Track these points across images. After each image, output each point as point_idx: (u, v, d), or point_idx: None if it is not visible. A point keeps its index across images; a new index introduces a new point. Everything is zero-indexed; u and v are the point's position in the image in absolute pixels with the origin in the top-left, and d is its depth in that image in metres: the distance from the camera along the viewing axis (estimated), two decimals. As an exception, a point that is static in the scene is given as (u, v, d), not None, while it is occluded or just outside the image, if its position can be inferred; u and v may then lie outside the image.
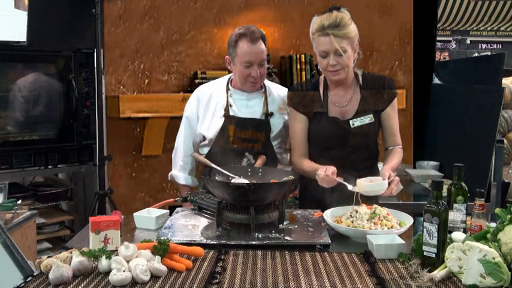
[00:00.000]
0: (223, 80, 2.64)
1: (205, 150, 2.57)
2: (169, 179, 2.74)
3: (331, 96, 2.38)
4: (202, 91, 2.63)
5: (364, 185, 2.08)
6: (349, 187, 2.10)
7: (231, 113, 2.51)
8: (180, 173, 2.66)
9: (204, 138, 2.57)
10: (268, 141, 2.53)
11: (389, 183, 2.09)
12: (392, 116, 2.39)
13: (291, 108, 2.42)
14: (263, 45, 2.46)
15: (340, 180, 2.11)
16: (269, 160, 2.49)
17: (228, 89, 2.57)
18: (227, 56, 2.54)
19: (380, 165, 2.49)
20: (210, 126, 2.54)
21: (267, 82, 2.63)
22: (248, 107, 2.54)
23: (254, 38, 2.42)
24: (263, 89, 2.59)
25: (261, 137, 2.51)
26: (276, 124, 2.54)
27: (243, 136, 2.50)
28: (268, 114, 2.53)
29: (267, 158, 2.47)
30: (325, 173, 2.11)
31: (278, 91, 2.61)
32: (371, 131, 2.34)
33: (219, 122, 2.52)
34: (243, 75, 2.47)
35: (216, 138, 2.51)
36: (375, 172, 2.43)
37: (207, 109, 2.57)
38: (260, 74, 2.46)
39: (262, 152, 2.49)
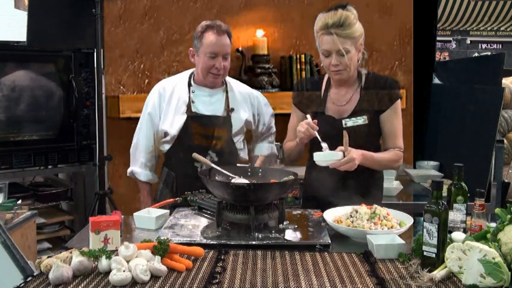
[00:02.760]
0: (185, 74, 2.63)
1: (167, 147, 2.57)
2: (128, 175, 2.73)
3: (331, 95, 2.37)
4: (164, 86, 2.62)
5: (316, 154, 2.14)
6: (323, 145, 2.15)
7: (194, 110, 2.52)
8: (141, 169, 2.66)
9: (165, 135, 2.57)
10: (230, 138, 2.54)
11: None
12: (392, 119, 2.32)
13: (292, 103, 2.46)
14: (228, 40, 2.49)
15: (316, 134, 2.17)
16: (230, 157, 2.51)
17: (190, 85, 2.57)
18: (191, 48, 2.55)
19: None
20: (173, 123, 2.53)
21: (227, 78, 2.64)
22: (210, 104, 2.55)
23: (220, 31, 2.46)
24: (224, 85, 2.60)
25: (224, 134, 2.53)
26: (237, 120, 2.55)
27: (205, 133, 2.50)
28: (229, 110, 2.54)
29: (228, 155, 2.49)
30: (306, 122, 2.17)
31: (239, 88, 2.64)
32: (366, 132, 2.29)
33: (182, 119, 2.51)
34: (206, 66, 2.48)
35: (179, 136, 2.51)
36: (374, 174, 2.40)
37: (169, 105, 2.56)
38: (223, 67, 2.48)
39: (225, 149, 2.50)
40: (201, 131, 2.50)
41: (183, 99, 2.54)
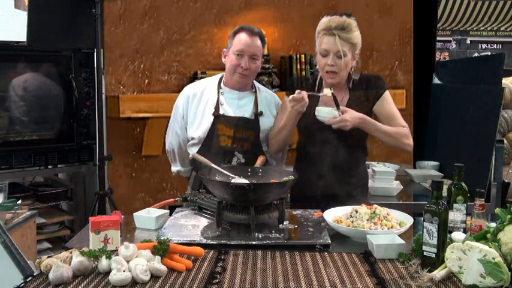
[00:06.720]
0: (215, 78, 2.64)
1: (194, 149, 2.56)
2: (173, 174, 2.77)
3: (323, 96, 2.41)
4: (192, 90, 2.63)
5: (318, 108, 2.26)
6: (326, 91, 2.27)
7: (221, 112, 2.52)
8: (184, 168, 2.72)
9: (192, 138, 2.58)
10: (257, 140, 2.53)
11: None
12: (385, 105, 2.40)
13: (286, 97, 2.47)
14: (259, 42, 2.50)
15: (306, 94, 2.23)
16: (257, 159, 2.49)
17: (219, 87, 2.58)
18: (224, 49, 2.57)
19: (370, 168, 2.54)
20: (200, 125, 2.54)
21: (256, 84, 2.66)
22: (239, 107, 2.55)
23: (252, 33, 2.48)
24: (253, 89, 2.60)
25: (251, 136, 2.52)
26: (266, 124, 2.55)
27: (232, 135, 2.50)
28: (258, 114, 2.54)
29: (255, 157, 2.48)
30: (296, 94, 2.22)
31: (266, 94, 2.64)
32: (355, 130, 2.32)
33: (209, 120, 2.52)
34: (233, 65, 2.48)
35: (206, 138, 2.52)
36: (361, 172, 2.51)
37: (197, 107, 2.57)
38: (250, 69, 2.48)
39: (251, 151, 2.49)
40: (227, 132, 2.49)
41: (212, 101, 2.55)
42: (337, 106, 2.25)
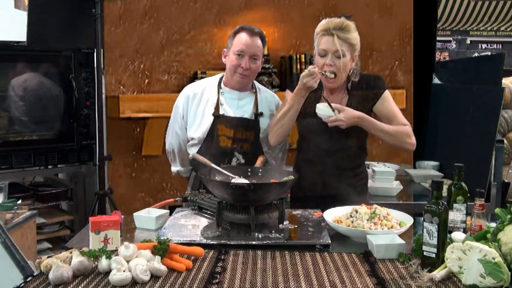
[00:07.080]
0: (215, 77, 2.64)
1: (194, 149, 2.56)
2: (173, 174, 2.78)
3: (323, 98, 2.41)
4: (192, 90, 2.63)
5: (319, 104, 2.29)
6: (329, 74, 2.29)
7: (221, 112, 2.52)
8: (184, 168, 2.73)
9: (192, 138, 2.58)
10: (257, 141, 2.53)
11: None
12: (385, 105, 2.38)
13: (288, 92, 2.47)
14: (260, 42, 2.50)
15: (319, 74, 2.26)
16: (256, 160, 2.49)
17: (219, 88, 2.58)
18: (224, 49, 2.57)
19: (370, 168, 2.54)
20: (200, 125, 2.54)
21: (257, 84, 2.66)
22: (239, 107, 2.55)
23: (252, 33, 2.48)
24: (253, 89, 2.60)
25: (251, 137, 2.52)
26: (266, 125, 2.55)
27: (232, 135, 2.50)
28: (258, 114, 2.54)
29: (255, 158, 2.48)
30: (311, 70, 2.23)
31: (267, 95, 2.64)
32: (353, 130, 2.33)
33: (209, 120, 2.52)
34: (233, 65, 2.48)
35: (205, 138, 2.52)
36: (361, 172, 2.50)
37: (197, 107, 2.57)
38: (251, 69, 2.48)
39: (251, 152, 2.49)
40: (227, 132, 2.49)
41: (212, 101, 2.55)
42: (330, 106, 2.25)
